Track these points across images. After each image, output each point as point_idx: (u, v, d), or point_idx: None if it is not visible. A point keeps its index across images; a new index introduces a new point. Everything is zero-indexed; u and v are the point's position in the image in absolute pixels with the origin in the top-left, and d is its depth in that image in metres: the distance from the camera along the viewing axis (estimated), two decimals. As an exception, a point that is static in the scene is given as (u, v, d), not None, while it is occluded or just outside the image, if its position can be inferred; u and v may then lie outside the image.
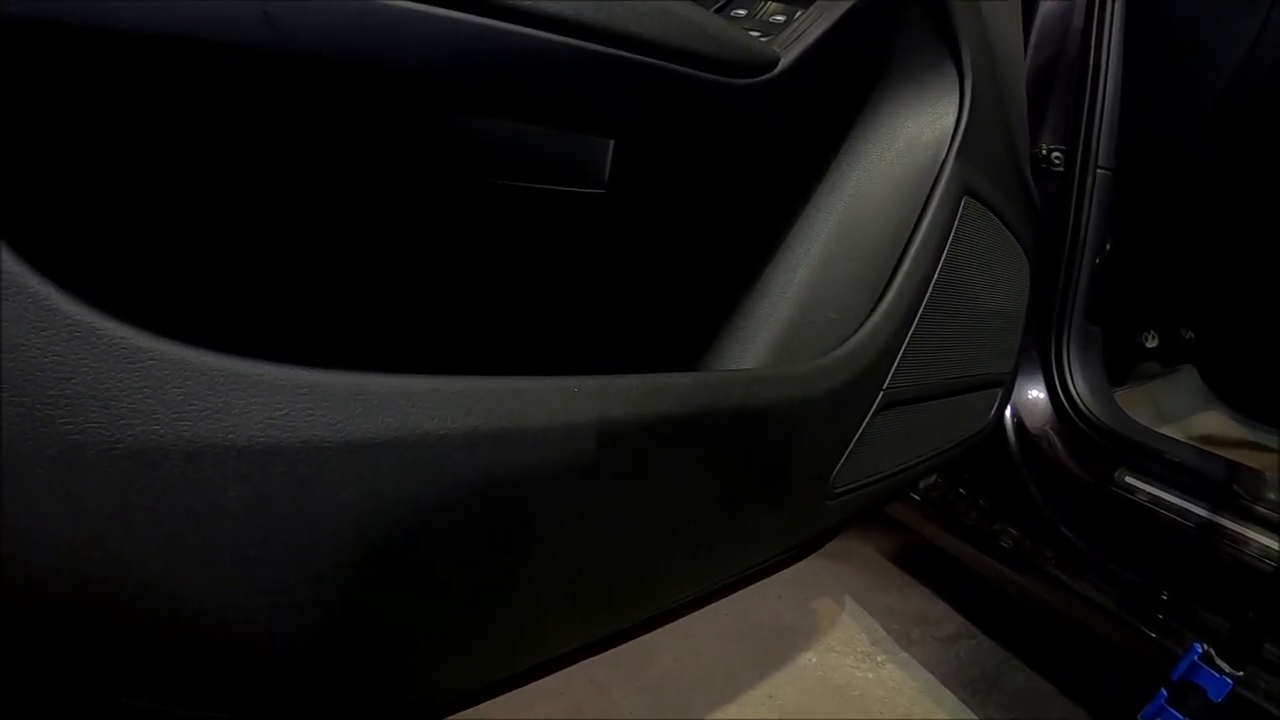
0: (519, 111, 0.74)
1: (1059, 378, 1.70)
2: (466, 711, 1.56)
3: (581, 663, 1.67)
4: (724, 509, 0.82)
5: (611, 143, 0.79)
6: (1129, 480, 1.59)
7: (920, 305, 0.99)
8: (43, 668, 0.56)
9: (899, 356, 0.97)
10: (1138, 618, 1.50)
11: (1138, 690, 1.15)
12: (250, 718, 0.64)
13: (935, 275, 1.01)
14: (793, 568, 2.14)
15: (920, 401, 1.06)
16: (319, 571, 0.56)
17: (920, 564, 2.22)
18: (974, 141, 1.07)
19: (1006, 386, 1.34)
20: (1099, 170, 1.69)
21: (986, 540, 1.75)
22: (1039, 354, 1.70)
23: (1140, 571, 1.55)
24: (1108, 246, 1.73)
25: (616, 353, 0.92)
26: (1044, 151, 1.69)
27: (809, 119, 0.99)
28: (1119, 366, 2.29)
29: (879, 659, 1.85)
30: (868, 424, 0.96)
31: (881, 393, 0.97)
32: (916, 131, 1.04)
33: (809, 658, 1.82)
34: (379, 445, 0.56)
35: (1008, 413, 1.65)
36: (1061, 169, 1.70)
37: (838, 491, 0.97)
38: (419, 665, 0.69)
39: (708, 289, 1.00)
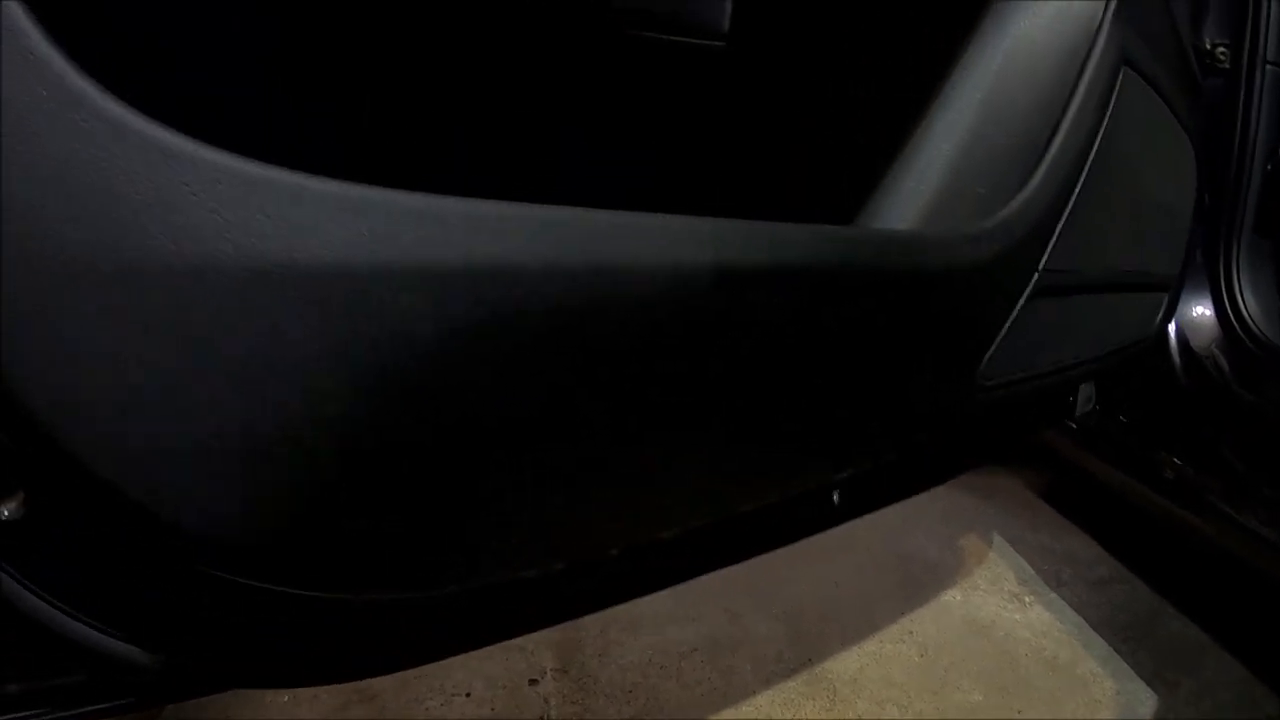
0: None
1: (1228, 294, 1.57)
2: (595, 632, 1.57)
3: (716, 589, 1.67)
4: (858, 382, 0.77)
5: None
6: (1304, 406, 1.45)
7: (1078, 180, 0.91)
8: (100, 519, 0.52)
9: (1056, 234, 0.90)
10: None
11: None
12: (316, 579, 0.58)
13: (1094, 150, 0.93)
14: (938, 503, 2.09)
15: (1080, 293, 0.98)
16: (385, 406, 0.52)
17: (1072, 502, 2.12)
18: (1132, 8, 0.98)
19: (1173, 292, 1.23)
20: (1268, 66, 1.54)
21: (1147, 471, 1.64)
22: (1206, 268, 1.57)
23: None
24: (1280, 151, 1.58)
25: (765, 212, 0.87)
26: (1208, 46, 1.55)
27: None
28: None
29: (1026, 599, 1.77)
30: (1022, 308, 0.89)
31: (1037, 273, 0.89)
32: (1070, -6, 0.95)
33: (953, 595, 1.75)
34: (455, 273, 0.51)
35: (1171, 331, 1.53)
36: (1227, 65, 1.56)
37: (988, 383, 0.90)
38: (482, 531, 0.62)
39: (839, 161, 0.95)
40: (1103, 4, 0.95)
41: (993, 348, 0.88)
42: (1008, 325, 0.88)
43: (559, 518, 0.62)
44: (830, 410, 0.76)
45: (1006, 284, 0.87)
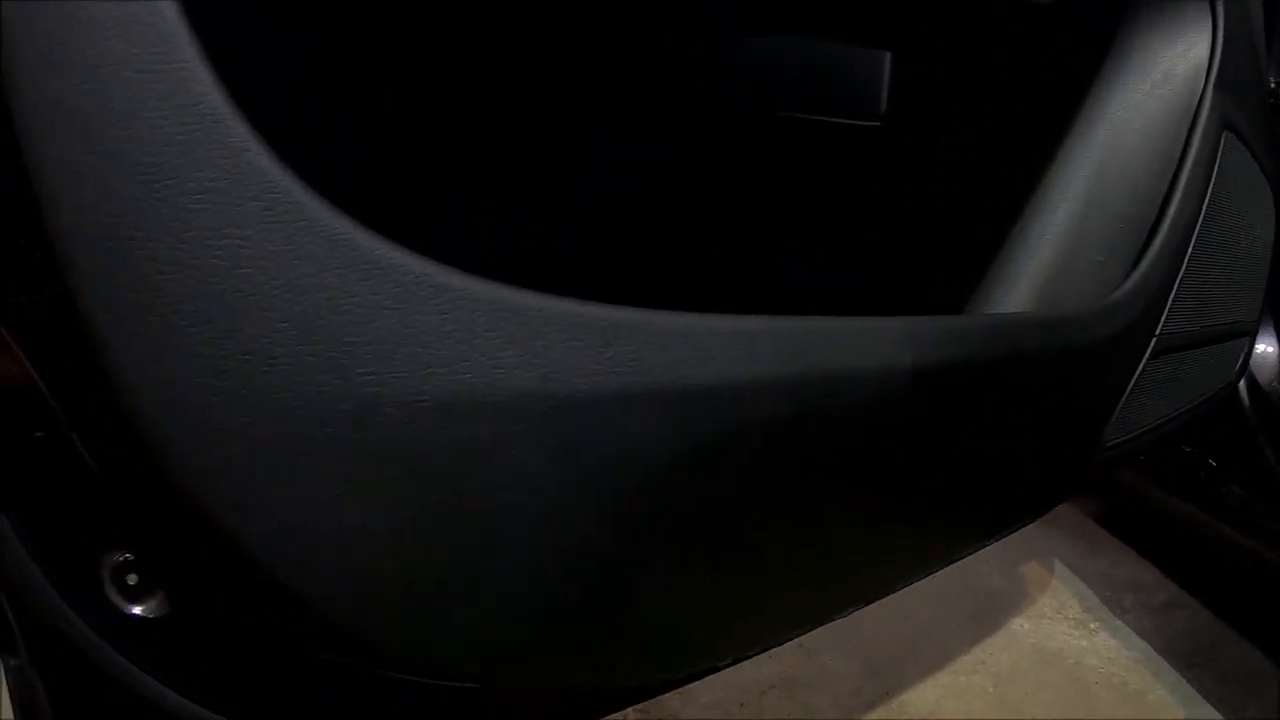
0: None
1: (1293, 329, 1.59)
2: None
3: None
4: (1007, 462, 0.81)
5: (887, 76, 0.78)
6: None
7: (1189, 246, 0.94)
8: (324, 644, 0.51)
9: (1170, 299, 0.93)
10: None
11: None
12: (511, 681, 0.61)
13: (1202, 214, 0.96)
14: (1002, 531, 2.11)
15: (1187, 349, 1.02)
16: (626, 529, 0.52)
17: (1128, 528, 2.12)
18: (1229, 72, 1.01)
19: (1253, 335, 1.26)
20: (1331, 103, 1.56)
21: (1213, 501, 1.66)
22: (1270, 305, 1.59)
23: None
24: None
25: (877, 294, 0.91)
26: (1271, 85, 1.57)
27: (1063, 53, 0.96)
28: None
29: (1092, 626, 1.78)
30: (1141, 372, 0.92)
31: (1155, 338, 0.93)
32: (1171, 63, 0.99)
33: (1021, 624, 1.77)
34: (705, 391, 0.51)
35: (1238, 366, 1.56)
36: (1290, 104, 1.58)
37: (1109, 445, 0.94)
38: (715, 626, 0.66)
39: (969, 228, 0.98)
40: (1204, 72, 0.98)
41: (1114, 414, 0.91)
42: (1127, 391, 0.91)
43: (772, 610, 0.66)
44: (988, 486, 0.79)
45: (1132, 352, 0.91)
